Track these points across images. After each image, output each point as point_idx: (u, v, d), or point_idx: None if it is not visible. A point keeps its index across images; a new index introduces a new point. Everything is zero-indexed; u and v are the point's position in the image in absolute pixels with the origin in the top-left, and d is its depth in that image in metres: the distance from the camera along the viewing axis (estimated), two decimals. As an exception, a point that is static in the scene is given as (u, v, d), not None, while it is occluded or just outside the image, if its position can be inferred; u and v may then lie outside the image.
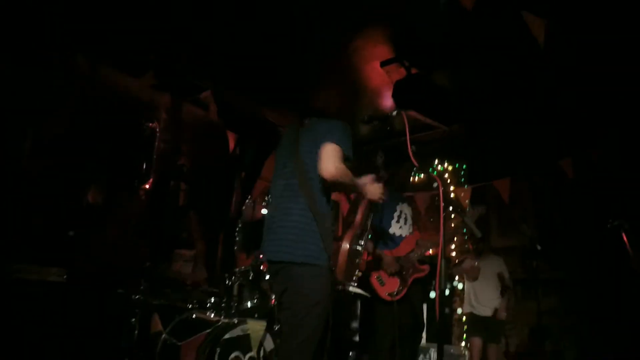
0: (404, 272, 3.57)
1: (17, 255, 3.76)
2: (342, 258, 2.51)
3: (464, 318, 5.35)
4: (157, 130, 5.29)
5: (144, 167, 5.14)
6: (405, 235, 3.76)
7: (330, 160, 2.26)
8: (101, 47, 4.35)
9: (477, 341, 4.51)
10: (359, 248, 2.77)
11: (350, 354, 4.62)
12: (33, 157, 4.24)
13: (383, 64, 4.35)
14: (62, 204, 4.38)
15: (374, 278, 3.54)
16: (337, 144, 2.30)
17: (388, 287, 3.50)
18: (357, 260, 2.72)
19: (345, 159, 2.33)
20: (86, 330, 3.77)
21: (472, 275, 4.69)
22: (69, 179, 4.50)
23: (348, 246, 2.60)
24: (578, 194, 5.15)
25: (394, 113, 2.36)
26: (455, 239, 5.75)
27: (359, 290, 2.37)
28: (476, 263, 4.70)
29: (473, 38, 4.02)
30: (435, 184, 2.01)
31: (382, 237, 3.69)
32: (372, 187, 2.51)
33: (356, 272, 2.66)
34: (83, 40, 4.24)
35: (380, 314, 3.54)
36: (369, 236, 2.45)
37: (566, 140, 5.17)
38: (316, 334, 2.18)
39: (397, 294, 3.45)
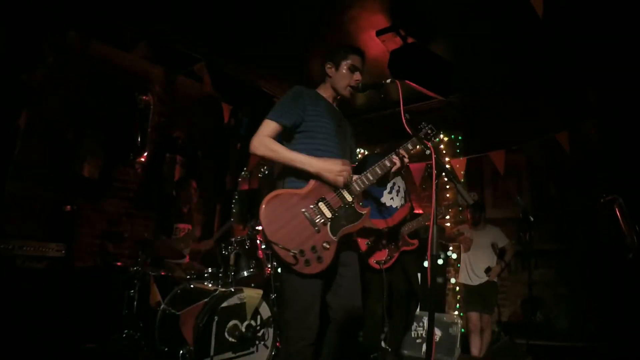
0: (392, 244, 3.63)
1: (16, 231, 3.79)
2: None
3: (457, 288, 5.43)
4: (152, 103, 5.24)
5: (139, 140, 5.11)
6: (398, 207, 3.79)
7: (255, 134, 2.24)
8: (93, 21, 4.27)
9: (474, 315, 4.57)
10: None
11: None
12: (29, 134, 4.21)
13: (379, 33, 4.29)
14: (59, 179, 4.38)
15: (364, 243, 3.60)
16: (267, 118, 2.26)
17: (377, 255, 3.57)
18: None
19: (284, 129, 2.26)
20: (87, 303, 3.82)
21: (464, 246, 4.74)
22: (65, 153, 4.49)
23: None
24: (573, 167, 5.17)
25: (388, 81, 2.33)
26: (450, 209, 5.78)
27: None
28: (467, 234, 4.74)
29: (470, 6, 3.96)
30: (428, 152, 2.01)
31: (376, 207, 3.71)
32: (327, 165, 2.18)
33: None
34: (74, 15, 4.16)
35: (369, 281, 3.60)
36: (360, 203, 2.38)
37: (563, 113, 5.16)
38: (293, 305, 2.18)
39: (385, 263, 3.51)
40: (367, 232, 3.60)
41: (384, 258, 3.54)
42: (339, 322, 2.23)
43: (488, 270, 4.60)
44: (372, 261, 3.54)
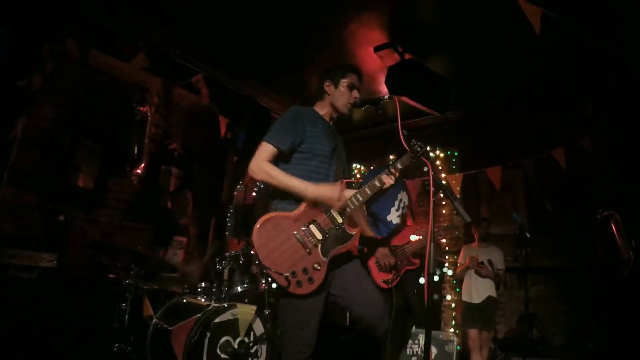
0: (397, 263, 3.62)
1: (8, 240, 3.75)
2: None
3: (453, 305, 5.38)
4: (149, 114, 5.23)
5: (136, 151, 5.09)
6: (403, 225, 3.80)
7: (253, 158, 2.28)
8: (92, 31, 4.29)
9: (474, 332, 4.53)
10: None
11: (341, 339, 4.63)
12: (25, 141, 4.19)
13: (377, 49, 4.32)
14: (53, 188, 4.35)
15: (372, 263, 3.58)
16: (264, 140, 2.30)
17: (383, 274, 3.56)
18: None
19: (282, 152, 2.29)
20: (78, 315, 3.77)
21: (472, 265, 4.64)
22: (60, 162, 4.47)
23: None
24: (569, 183, 5.18)
25: (387, 97, 2.34)
26: (445, 225, 5.77)
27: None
28: (473, 253, 4.70)
29: (468, 24, 4.00)
30: (425, 168, 2.00)
31: (381, 224, 3.71)
32: (325, 192, 2.20)
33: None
34: (74, 24, 4.17)
35: None
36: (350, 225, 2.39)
37: (559, 129, 5.19)
38: (289, 322, 2.23)
39: (391, 282, 3.50)
40: (374, 251, 3.59)
41: (391, 277, 3.54)
42: (364, 328, 2.26)
43: (490, 263, 4.58)
44: (380, 280, 3.54)
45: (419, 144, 2.31)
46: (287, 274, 2.11)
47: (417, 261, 3.71)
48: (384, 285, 3.51)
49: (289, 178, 2.23)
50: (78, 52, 4.41)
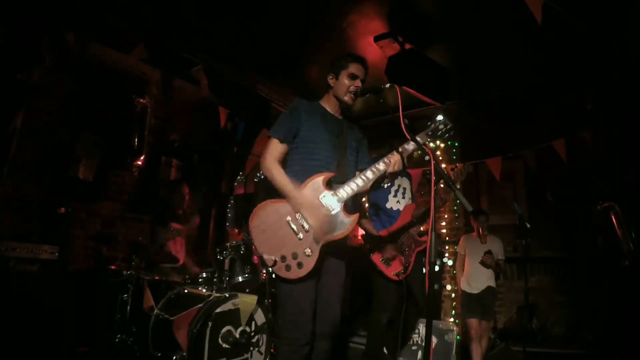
0: (406, 250, 3.58)
1: (9, 232, 3.74)
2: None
3: (453, 295, 5.40)
4: (149, 106, 5.21)
5: (137, 143, 5.08)
6: (401, 208, 3.76)
7: (263, 153, 2.40)
8: (90, 23, 4.26)
9: (474, 322, 4.55)
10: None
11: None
12: (25, 134, 4.18)
13: (377, 38, 4.29)
14: (53, 180, 4.34)
15: (378, 260, 3.56)
16: (269, 135, 2.42)
17: (394, 267, 3.54)
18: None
19: (282, 141, 2.38)
20: (79, 307, 3.78)
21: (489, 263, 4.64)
22: (60, 155, 4.46)
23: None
24: (569, 174, 5.18)
25: (387, 85, 2.32)
26: (445, 215, 5.78)
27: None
28: (472, 244, 4.71)
29: (468, 14, 3.97)
30: (427, 157, 1.99)
31: (382, 213, 3.68)
32: (305, 210, 2.22)
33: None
34: (73, 16, 4.14)
35: (385, 290, 3.57)
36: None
37: (560, 120, 5.18)
38: (283, 309, 2.27)
39: (404, 272, 3.49)
40: (378, 247, 3.58)
41: (402, 268, 3.51)
42: (317, 330, 2.31)
43: (490, 254, 4.58)
44: (391, 274, 3.51)
45: (442, 120, 2.43)
46: (276, 258, 2.16)
47: (424, 239, 3.65)
48: (396, 278, 3.48)
49: (283, 181, 2.28)
50: (77, 45, 4.38)
